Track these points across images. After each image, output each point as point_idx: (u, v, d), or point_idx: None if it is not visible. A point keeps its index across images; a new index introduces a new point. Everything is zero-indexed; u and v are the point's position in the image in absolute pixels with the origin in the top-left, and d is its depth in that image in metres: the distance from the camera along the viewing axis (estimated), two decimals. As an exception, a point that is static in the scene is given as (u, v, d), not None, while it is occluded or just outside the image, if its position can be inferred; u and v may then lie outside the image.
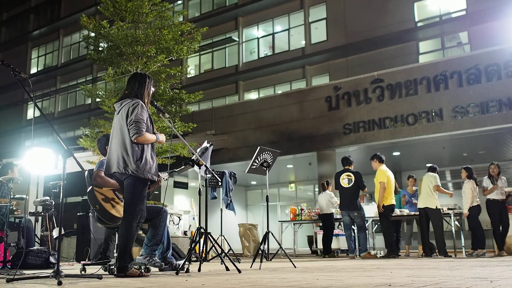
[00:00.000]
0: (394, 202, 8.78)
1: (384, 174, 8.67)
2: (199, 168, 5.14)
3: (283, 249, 5.97)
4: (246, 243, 12.54)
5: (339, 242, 11.14)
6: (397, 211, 9.69)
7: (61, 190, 3.70)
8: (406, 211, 9.83)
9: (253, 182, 21.45)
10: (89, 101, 27.22)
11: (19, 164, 7.40)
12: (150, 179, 4.11)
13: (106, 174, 4.26)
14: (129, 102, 4.16)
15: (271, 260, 8.15)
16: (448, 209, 9.30)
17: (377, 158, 8.93)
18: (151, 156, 4.16)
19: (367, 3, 19.14)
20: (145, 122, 4.09)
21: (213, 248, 5.66)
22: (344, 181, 8.91)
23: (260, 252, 5.68)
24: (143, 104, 4.17)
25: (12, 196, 6.07)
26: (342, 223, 9.67)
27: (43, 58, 31.34)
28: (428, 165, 9.44)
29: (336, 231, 11.26)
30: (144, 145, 4.10)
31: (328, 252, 10.21)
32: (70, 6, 29.04)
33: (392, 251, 8.54)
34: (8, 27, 34.04)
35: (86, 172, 4.72)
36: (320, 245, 11.12)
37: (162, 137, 4.27)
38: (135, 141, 4.03)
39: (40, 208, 8.10)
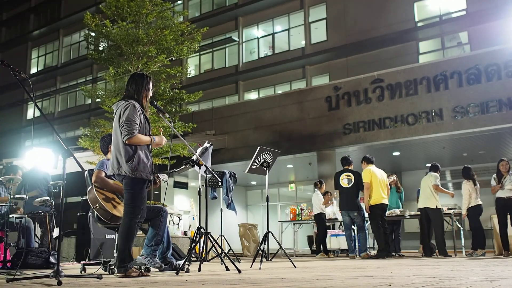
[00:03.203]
0: (385, 201, 8.62)
1: (367, 174, 8.63)
2: (199, 168, 5.14)
3: (283, 249, 5.97)
4: (246, 243, 12.54)
5: (339, 242, 11.16)
6: (396, 211, 9.68)
7: (61, 190, 3.70)
8: (407, 212, 9.80)
9: (253, 182, 21.45)
10: (89, 101, 27.22)
11: (20, 165, 7.41)
12: (145, 178, 4.12)
13: (106, 175, 4.32)
14: (122, 103, 4.19)
15: (271, 260, 8.15)
16: (448, 209, 9.29)
17: (365, 160, 8.94)
18: (146, 155, 4.16)
19: (367, 3, 19.13)
20: (137, 123, 4.08)
21: (213, 248, 5.66)
22: (344, 181, 8.90)
23: (260, 252, 5.67)
24: (136, 104, 4.16)
25: (12, 196, 6.07)
26: (342, 223, 9.68)
27: (43, 58, 31.33)
28: (429, 164, 9.34)
29: (336, 231, 11.29)
30: (137, 145, 4.11)
31: (318, 252, 10.32)
32: (70, 6, 29.04)
33: (382, 251, 8.40)
34: (8, 27, 34.04)
35: (86, 172, 4.72)
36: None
37: (159, 139, 4.27)
38: (126, 142, 4.04)
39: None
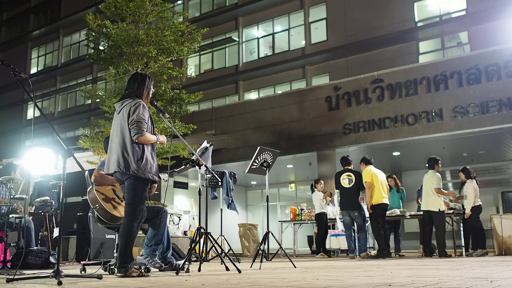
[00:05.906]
0: (385, 201, 8.63)
1: (368, 174, 8.64)
2: (199, 168, 5.14)
3: (283, 249, 5.97)
4: (246, 243, 12.54)
5: (339, 242, 11.16)
6: (396, 211, 9.67)
7: (61, 190, 3.70)
8: (408, 212, 9.79)
9: (253, 182, 21.44)
10: (89, 101, 27.22)
11: (19, 164, 7.40)
12: (151, 179, 4.11)
13: (106, 174, 4.27)
14: (130, 102, 4.17)
15: (271, 260, 8.15)
16: (448, 209, 9.28)
17: (364, 161, 8.95)
18: (152, 156, 4.17)
19: (367, 3, 19.13)
20: (146, 122, 4.11)
21: (213, 248, 5.66)
22: (345, 181, 8.89)
23: (260, 252, 5.67)
24: (145, 104, 4.19)
25: (12, 196, 6.07)
26: (342, 222, 9.68)
27: (43, 58, 31.33)
28: (428, 162, 9.14)
29: (336, 231, 11.29)
30: (144, 145, 4.11)
31: (318, 252, 10.32)
32: (70, 6, 29.03)
33: (382, 251, 8.39)
34: (8, 27, 34.03)
35: (86, 172, 4.72)
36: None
37: (162, 138, 4.28)
38: (136, 141, 4.04)
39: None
